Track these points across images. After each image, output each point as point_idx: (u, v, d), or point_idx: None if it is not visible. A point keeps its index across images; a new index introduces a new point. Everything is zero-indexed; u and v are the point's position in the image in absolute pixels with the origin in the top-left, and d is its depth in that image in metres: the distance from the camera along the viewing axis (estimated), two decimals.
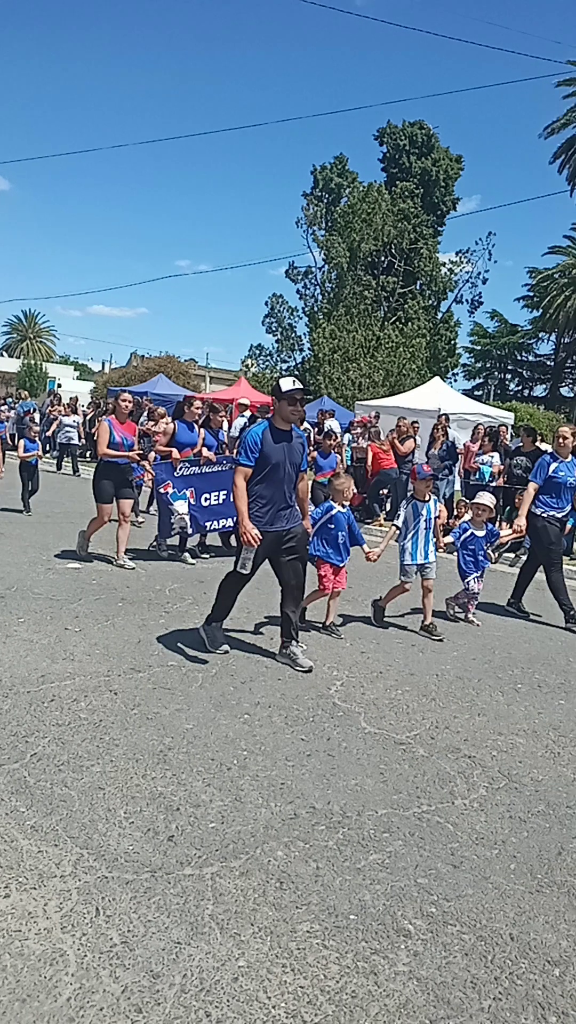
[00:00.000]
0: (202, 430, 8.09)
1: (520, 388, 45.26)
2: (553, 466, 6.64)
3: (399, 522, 6.12)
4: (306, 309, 32.68)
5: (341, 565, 5.69)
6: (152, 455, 8.28)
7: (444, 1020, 1.96)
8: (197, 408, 7.95)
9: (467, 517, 7.02)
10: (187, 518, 7.43)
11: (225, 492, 7.77)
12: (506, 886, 2.60)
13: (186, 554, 7.89)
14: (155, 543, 8.10)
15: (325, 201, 32.50)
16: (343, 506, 5.71)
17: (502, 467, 11.54)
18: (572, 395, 41.40)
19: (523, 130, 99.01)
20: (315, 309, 32.01)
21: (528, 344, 44.41)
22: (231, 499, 7.82)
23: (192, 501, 7.59)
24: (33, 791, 2.90)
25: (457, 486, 12.71)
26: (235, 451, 8.75)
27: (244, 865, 2.55)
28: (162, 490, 7.41)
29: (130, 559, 7.30)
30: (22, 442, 10.28)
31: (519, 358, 45.32)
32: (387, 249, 30.47)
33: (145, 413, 16.86)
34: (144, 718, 3.70)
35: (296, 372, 32.33)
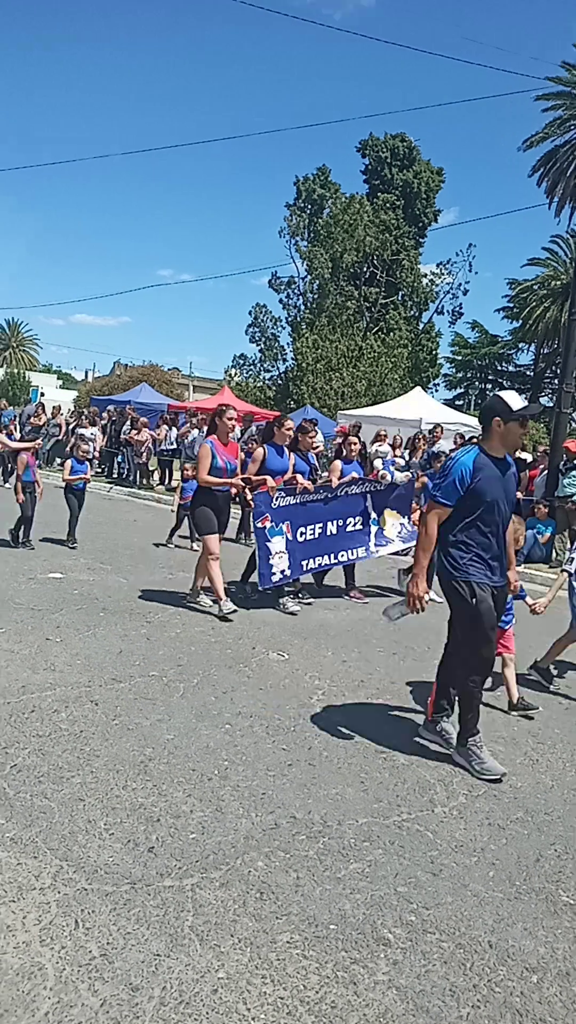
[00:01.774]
0: (292, 454, 6.97)
1: None
2: None
3: (572, 568, 5.18)
4: (289, 319, 32.77)
5: (507, 627, 4.62)
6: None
7: None
8: (288, 429, 6.84)
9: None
10: (286, 556, 6.59)
11: (321, 525, 7.03)
12: (485, 893, 2.62)
13: (286, 599, 6.60)
14: (251, 590, 6.91)
15: (308, 212, 32.68)
16: None
17: None
18: (552, 405, 41.83)
19: (502, 143, 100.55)
20: (298, 319, 32.11)
21: (508, 355, 44.91)
22: (328, 533, 7.16)
23: (288, 536, 6.69)
24: (13, 803, 2.88)
25: None
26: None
27: (224, 876, 2.55)
28: (260, 524, 6.44)
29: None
30: (69, 462, 9.04)
31: (499, 368, 45.80)
32: (369, 260, 30.68)
33: (128, 422, 16.89)
34: (125, 729, 3.69)
35: (279, 381, 32.39)
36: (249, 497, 6.48)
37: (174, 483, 16.94)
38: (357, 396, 26.96)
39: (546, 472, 11.99)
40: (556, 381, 36.08)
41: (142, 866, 2.56)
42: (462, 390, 46.28)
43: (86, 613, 5.76)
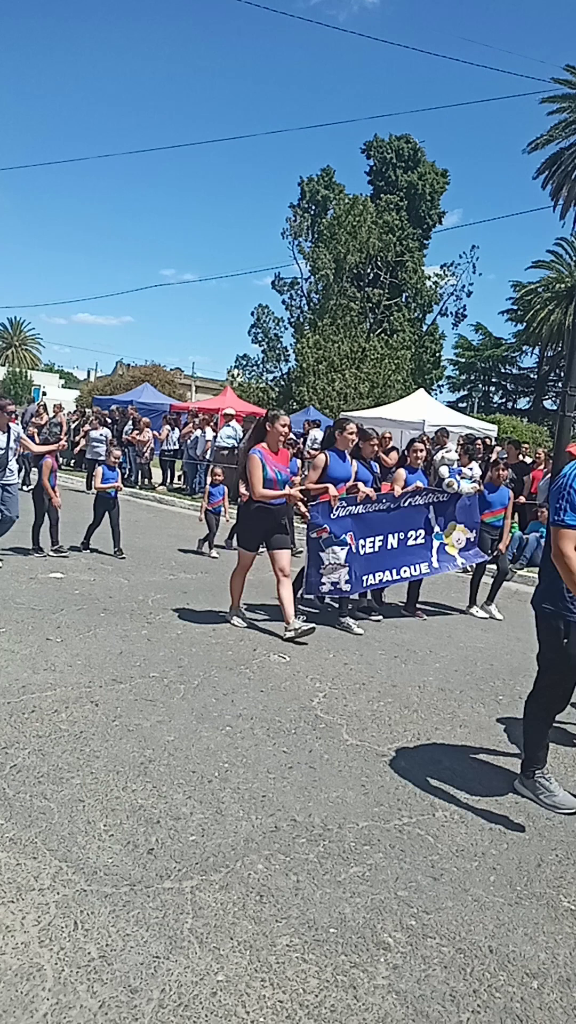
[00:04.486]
0: (354, 461, 6.61)
1: (504, 400, 45.74)
2: None
3: None
4: (292, 320, 32.75)
5: None
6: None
7: None
8: (351, 434, 6.42)
9: None
10: (345, 570, 6.26)
11: (382, 538, 6.66)
12: (486, 898, 2.61)
13: (347, 619, 6.31)
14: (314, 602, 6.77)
15: (311, 213, 32.64)
16: None
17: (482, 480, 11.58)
18: (555, 408, 41.83)
19: (507, 145, 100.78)
20: (301, 320, 32.09)
21: (512, 357, 44.93)
22: (388, 546, 6.79)
23: (352, 547, 6.37)
24: (12, 803, 2.88)
25: None
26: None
27: (224, 878, 2.55)
28: (314, 535, 6.22)
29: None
30: (100, 469, 8.65)
31: (503, 371, 45.83)
32: (373, 261, 30.66)
33: (130, 422, 16.90)
34: (125, 730, 3.68)
35: (282, 382, 32.40)
36: (304, 510, 6.13)
37: (176, 484, 16.96)
38: (360, 398, 26.94)
39: (549, 475, 11.97)
40: (560, 384, 36.08)
41: (142, 868, 2.55)
42: (465, 392, 46.31)
43: (87, 613, 5.76)
